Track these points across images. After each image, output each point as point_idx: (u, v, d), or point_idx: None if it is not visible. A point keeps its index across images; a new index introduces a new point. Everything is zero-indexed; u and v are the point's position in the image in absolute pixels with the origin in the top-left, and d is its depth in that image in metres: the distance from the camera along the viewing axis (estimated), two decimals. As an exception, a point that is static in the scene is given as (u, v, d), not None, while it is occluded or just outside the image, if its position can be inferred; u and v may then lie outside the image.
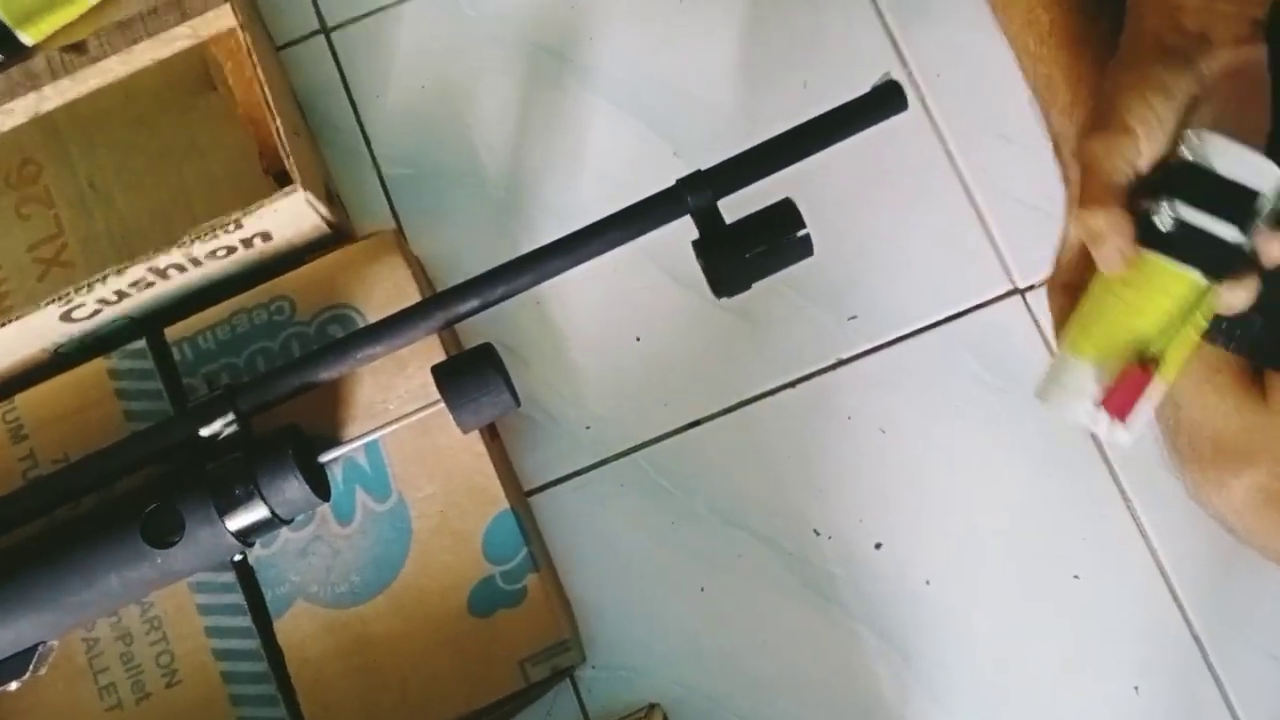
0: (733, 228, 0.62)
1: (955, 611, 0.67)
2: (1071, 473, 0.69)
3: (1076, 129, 0.60)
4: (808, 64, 0.76)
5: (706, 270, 0.62)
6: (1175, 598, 0.67)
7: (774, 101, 0.75)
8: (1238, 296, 0.50)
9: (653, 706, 0.66)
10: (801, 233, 0.60)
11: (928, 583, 0.68)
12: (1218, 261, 0.49)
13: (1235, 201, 0.48)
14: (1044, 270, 0.71)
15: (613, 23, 0.78)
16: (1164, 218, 0.49)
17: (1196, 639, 0.66)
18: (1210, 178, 0.48)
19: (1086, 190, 0.49)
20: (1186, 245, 0.49)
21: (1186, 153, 0.49)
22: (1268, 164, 0.48)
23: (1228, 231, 0.48)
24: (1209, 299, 0.50)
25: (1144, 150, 0.49)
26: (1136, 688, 0.66)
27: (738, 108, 0.76)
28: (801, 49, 0.76)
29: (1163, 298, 0.50)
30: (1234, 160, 0.48)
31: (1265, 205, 0.48)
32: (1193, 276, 0.49)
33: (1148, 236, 0.49)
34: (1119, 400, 0.51)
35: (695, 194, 0.61)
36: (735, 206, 0.61)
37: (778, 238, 0.60)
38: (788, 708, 0.67)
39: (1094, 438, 0.69)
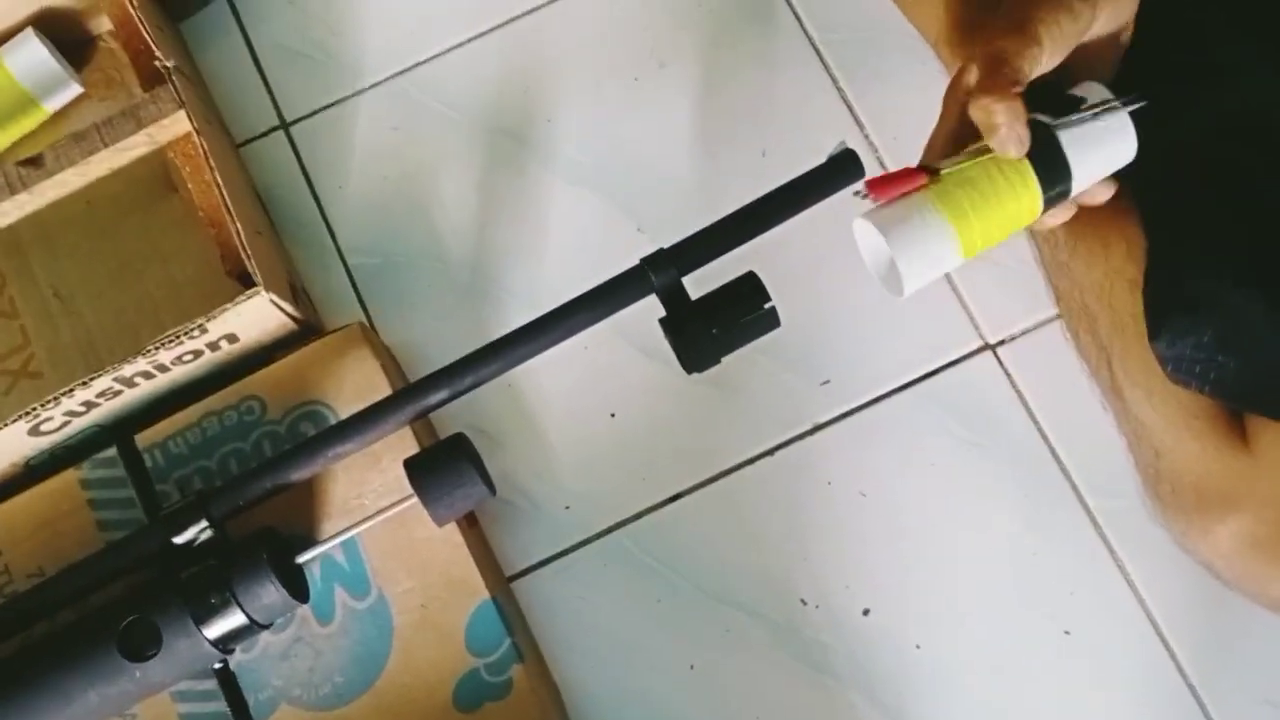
0: (698, 304, 0.62)
1: (947, 674, 0.66)
2: (1056, 526, 0.68)
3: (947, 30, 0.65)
4: (764, 132, 0.76)
5: (675, 347, 0.62)
6: (1168, 648, 0.66)
7: (733, 171, 0.76)
8: (1056, 216, 0.58)
9: (648, 790, 0.65)
10: (768, 305, 0.60)
11: (918, 646, 0.67)
12: (1054, 179, 0.55)
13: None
14: (1014, 325, 0.72)
15: (568, 103, 0.78)
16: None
17: (1192, 689, 0.65)
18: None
19: (993, 82, 0.53)
20: (1061, 189, 0.55)
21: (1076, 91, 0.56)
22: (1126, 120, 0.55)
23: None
24: (1031, 209, 0.56)
25: (1044, 62, 0.54)
26: (1135, 742, 0.65)
27: (698, 179, 0.76)
28: (758, 118, 0.77)
29: (1012, 213, 0.55)
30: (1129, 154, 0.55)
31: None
32: (1034, 184, 0.55)
33: (1051, 173, 0.55)
34: (883, 184, 0.56)
35: (659, 273, 0.61)
36: (700, 279, 0.61)
37: (744, 312, 0.60)
38: (785, 783, 0.66)
39: (1076, 491, 0.69)
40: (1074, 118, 0.55)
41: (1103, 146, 0.56)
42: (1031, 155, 0.55)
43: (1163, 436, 0.62)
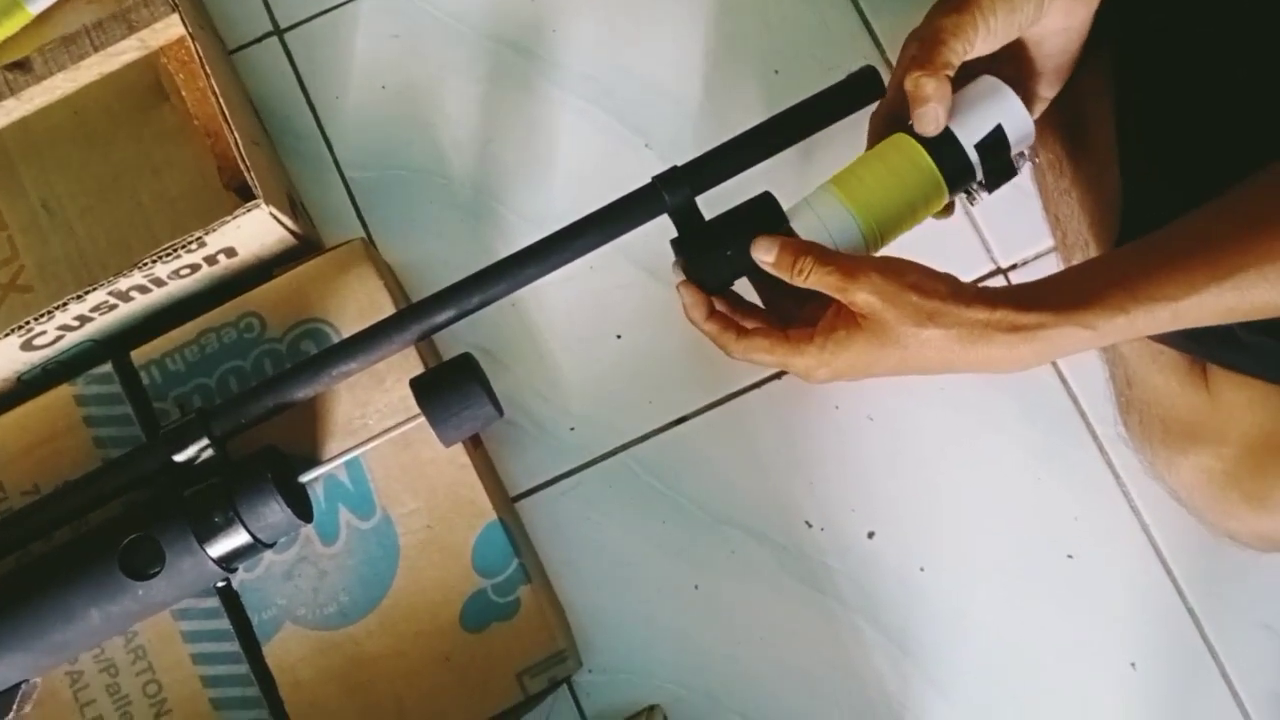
0: (712, 224, 0.61)
1: (951, 597, 0.67)
2: (1061, 452, 0.68)
3: None
4: (778, 50, 0.74)
5: (687, 269, 0.61)
6: (1169, 573, 0.67)
7: (746, 90, 0.74)
8: (945, 212, 0.62)
9: (653, 708, 0.66)
10: (785, 227, 0.59)
11: (922, 569, 0.67)
12: (961, 182, 0.59)
13: (997, 150, 0.58)
14: (1026, 249, 0.71)
15: (576, 15, 0.76)
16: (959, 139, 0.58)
17: (1191, 613, 0.66)
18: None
19: (927, 57, 0.55)
20: (952, 160, 0.58)
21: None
22: (1031, 129, 0.58)
23: (979, 167, 0.59)
24: (932, 205, 0.59)
25: (977, 45, 0.56)
26: (1133, 664, 0.66)
27: (709, 98, 0.74)
28: (771, 34, 0.75)
29: (912, 185, 0.58)
30: (1014, 118, 0.58)
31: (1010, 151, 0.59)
32: (940, 181, 0.58)
33: (936, 141, 0.58)
34: None
35: (672, 192, 0.60)
36: (713, 200, 0.60)
37: (759, 233, 0.59)
38: (788, 703, 0.66)
39: (1084, 418, 0.69)
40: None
41: (977, 107, 0.58)
42: (924, 143, 0.58)
43: (1135, 367, 0.63)
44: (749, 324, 0.60)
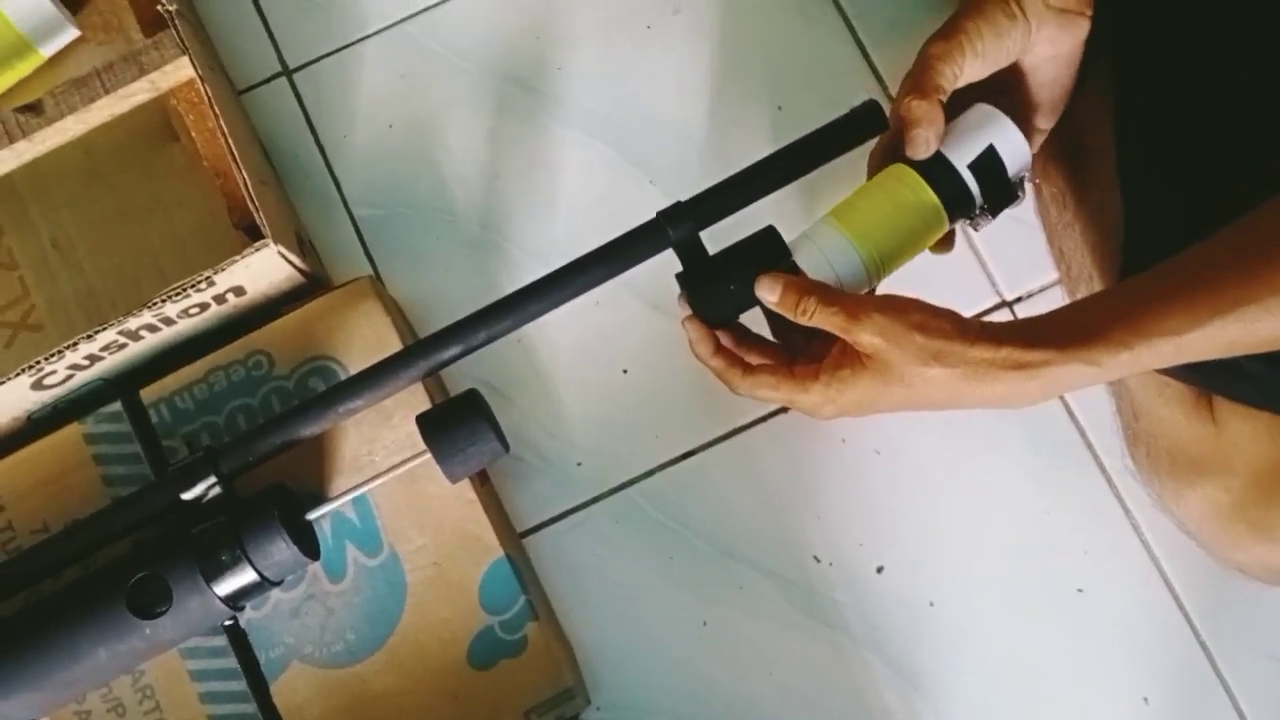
0: (716, 259, 0.61)
1: (961, 632, 0.66)
2: (1069, 485, 0.68)
3: None
4: (780, 85, 0.75)
5: (692, 304, 0.61)
6: (1180, 606, 0.66)
7: (747, 123, 0.74)
8: (945, 246, 0.63)
9: (661, 746, 0.65)
10: (788, 261, 0.59)
11: (931, 604, 0.67)
12: (960, 207, 0.59)
13: (992, 171, 0.59)
14: (1031, 282, 0.71)
15: (579, 51, 0.77)
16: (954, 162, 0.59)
17: (1203, 646, 0.66)
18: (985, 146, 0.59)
19: (917, 81, 0.57)
20: (948, 185, 0.59)
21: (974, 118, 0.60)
22: (1026, 150, 0.59)
23: (975, 190, 0.59)
24: (934, 232, 0.60)
25: (966, 71, 0.57)
26: (1146, 699, 0.65)
27: (712, 133, 0.75)
28: (773, 69, 0.75)
29: (911, 213, 0.59)
30: (1006, 139, 0.59)
31: (1010, 179, 0.60)
32: (938, 206, 0.59)
33: (931, 167, 0.59)
34: None
35: (676, 226, 0.60)
36: (717, 234, 0.60)
37: (764, 267, 0.59)
38: (797, 739, 0.66)
39: (1091, 450, 0.68)
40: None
41: (969, 131, 0.59)
42: (915, 166, 0.59)
43: (1141, 399, 0.63)
44: (754, 359, 0.60)
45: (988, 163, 0.59)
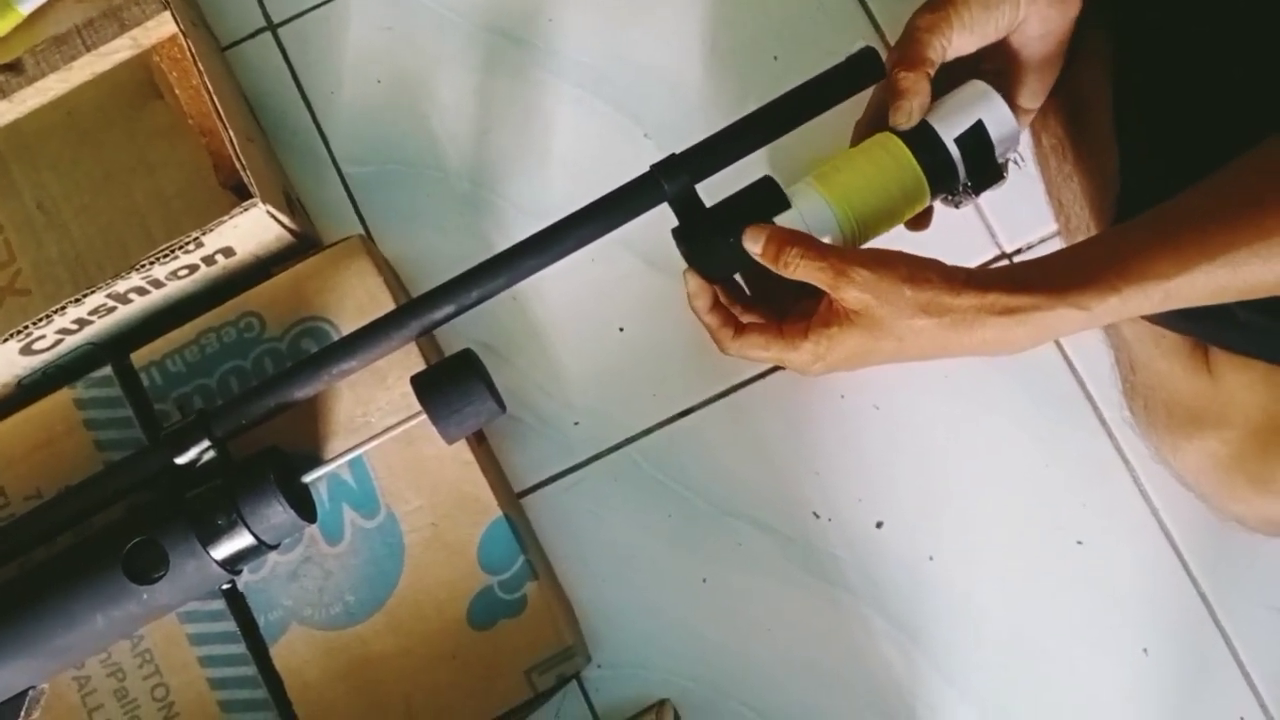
0: (713, 211, 0.60)
1: (960, 586, 0.66)
2: (1069, 438, 0.68)
3: None
4: (776, 35, 0.73)
5: (689, 258, 0.60)
6: (1180, 558, 0.66)
7: (743, 75, 0.73)
8: (922, 223, 0.63)
9: (663, 703, 0.66)
10: (788, 210, 0.58)
11: (931, 559, 0.67)
12: (942, 180, 0.59)
13: (978, 147, 0.58)
14: (1030, 234, 0.70)
15: (571, 2, 0.75)
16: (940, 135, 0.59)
17: (1203, 597, 0.66)
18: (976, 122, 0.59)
19: (904, 53, 0.57)
20: (932, 155, 0.58)
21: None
22: (1015, 129, 0.59)
23: (960, 164, 0.59)
24: (914, 204, 0.60)
25: (955, 43, 0.57)
26: (1146, 650, 0.65)
27: (707, 84, 0.73)
28: (769, 20, 0.74)
29: (892, 181, 0.58)
30: (996, 116, 0.58)
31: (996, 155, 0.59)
32: (920, 176, 0.58)
33: (917, 136, 0.58)
34: None
35: (671, 180, 0.59)
36: (713, 186, 0.59)
37: (762, 219, 0.58)
38: (798, 695, 0.66)
39: (1091, 402, 0.68)
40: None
41: (960, 105, 0.58)
42: (901, 135, 0.58)
43: (1137, 352, 0.63)
44: (746, 318, 0.60)
45: (975, 138, 0.58)
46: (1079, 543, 0.67)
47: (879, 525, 0.68)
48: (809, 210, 0.58)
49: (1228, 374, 0.58)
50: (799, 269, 0.55)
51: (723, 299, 0.60)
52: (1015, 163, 0.65)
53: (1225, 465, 0.59)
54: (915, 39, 0.57)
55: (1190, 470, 0.61)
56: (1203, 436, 0.59)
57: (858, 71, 0.60)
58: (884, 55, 0.60)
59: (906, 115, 0.58)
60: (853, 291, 0.53)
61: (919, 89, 0.57)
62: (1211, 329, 0.57)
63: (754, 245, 0.57)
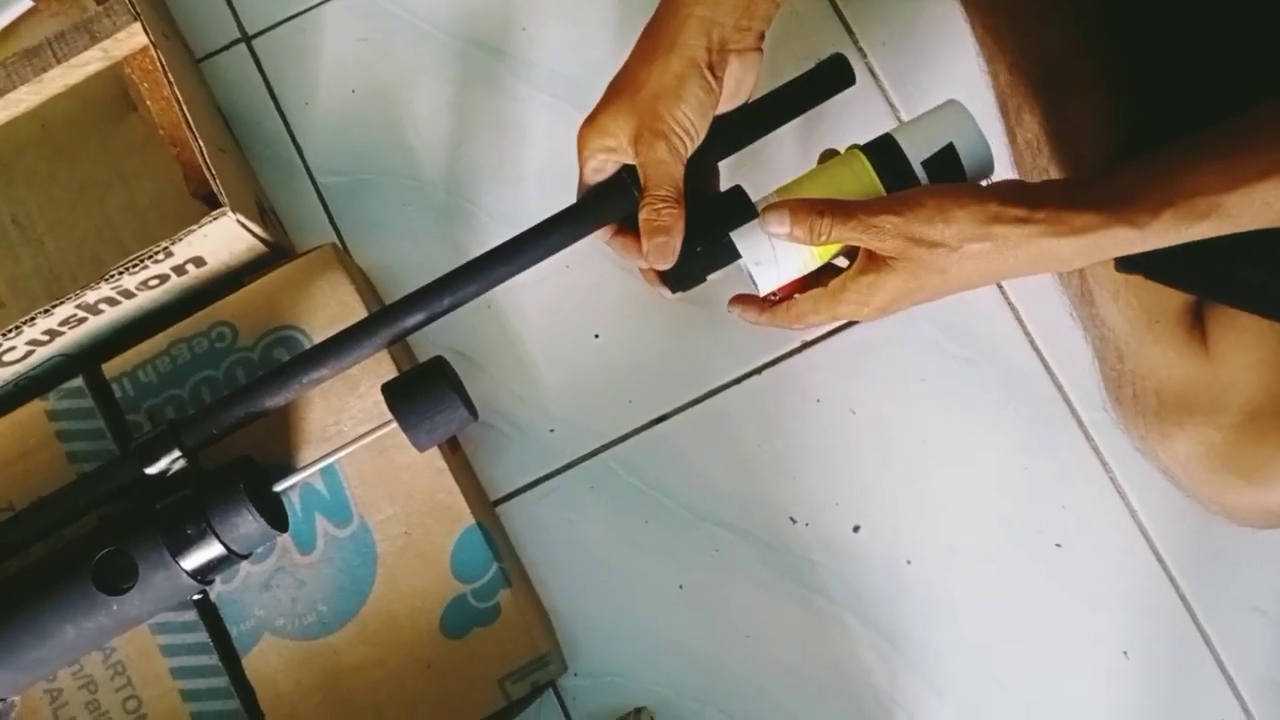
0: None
1: (939, 590, 0.66)
2: (1046, 440, 0.67)
3: None
4: (748, 40, 0.73)
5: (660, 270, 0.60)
6: (1159, 559, 0.66)
7: (717, 81, 0.73)
8: None
9: (640, 710, 0.65)
10: (755, 220, 0.58)
11: (909, 562, 0.66)
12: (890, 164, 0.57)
13: (948, 170, 0.56)
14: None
15: (544, 13, 0.75)
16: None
17: (1183, 599, 0.65)
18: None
19: (652, 189, 0.56)
20: (898, 178, 0.56)
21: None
22: (989, 154, 0.56)
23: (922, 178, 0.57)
24: None
25: (688, 146, 0.56)
26: (1126, 653, 0.65)
27: (680, 90, 0.73)
28: (741, 24, 0.74)
29: (853, 197, 0.56)
30: (968, 140, 0.56)
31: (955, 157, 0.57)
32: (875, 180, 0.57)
33: (885, 156, 0.57)
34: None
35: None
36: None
37: (731, 227, 0.58)
38: (776, 701, 0.65)
39: (1069, 404, 0.68)
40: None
41: (931, 125, 0.56)
42: (868, 152, 0.57)
43: (1127, 339, 0.62)
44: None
45: (943, 161, 0.56)
46: (1058, 545, 0.66)
47: (856, 529, 0.67)
48: None
49: (1229, 356, 0.57)
50: (832, 235, 0.54)
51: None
52: (1009, 128, 0.64)
53: (1219, 452, 0.58)
54: (653, 175, 0.56)
55: (1180, 460, 0.60)
56: (1195, 423, 0.58)
57: (827, 78, 0.60)
58: (856, 62, 0.59)
59: (666, 256, 0.58)
60: (889, 241, 0.52)
61: (670, 223, 0.57)
62: (1217, 287, 0.56)
63: (779, 226, 0.55)
